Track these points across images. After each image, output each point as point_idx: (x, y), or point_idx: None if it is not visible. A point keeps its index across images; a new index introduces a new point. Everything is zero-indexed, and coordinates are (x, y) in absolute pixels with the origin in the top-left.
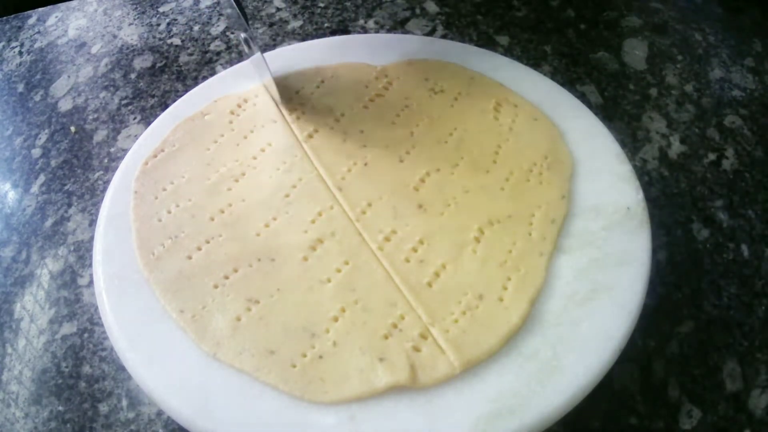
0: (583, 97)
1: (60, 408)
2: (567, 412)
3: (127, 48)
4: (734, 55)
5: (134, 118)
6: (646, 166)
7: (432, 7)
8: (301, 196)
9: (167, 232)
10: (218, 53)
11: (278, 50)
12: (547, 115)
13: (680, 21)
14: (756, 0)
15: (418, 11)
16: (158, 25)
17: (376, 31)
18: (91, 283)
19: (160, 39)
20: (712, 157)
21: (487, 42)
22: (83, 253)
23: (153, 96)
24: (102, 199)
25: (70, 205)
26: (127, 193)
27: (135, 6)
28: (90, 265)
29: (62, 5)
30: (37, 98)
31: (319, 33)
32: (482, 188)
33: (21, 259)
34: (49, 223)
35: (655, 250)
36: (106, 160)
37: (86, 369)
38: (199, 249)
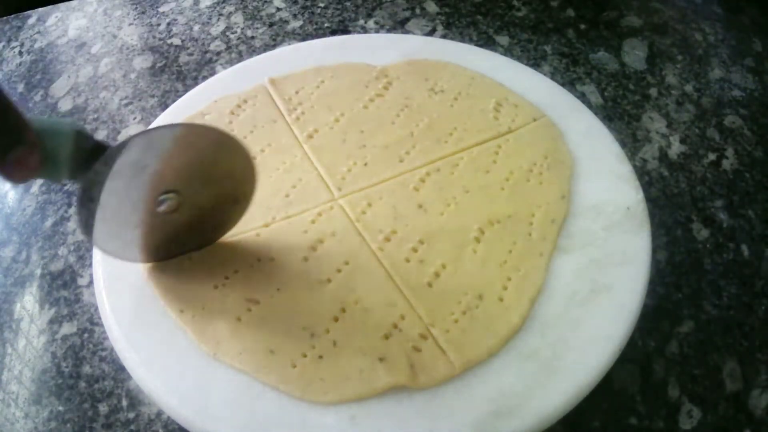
0: (583, 97)
1: (60, 408)
2: (567, 412)
3: (127, 48)
4: (734, 55)
5: (134, 118)
6: (646, 166)
7: (432, 7)
8: (301, 196)
9: None
10: (218, 53)
11: (278, 50)
12: (547, 115)
13: (680, 21)
14: (756, 0)
15: (418, 11)
16: (158, 25)
17: (376, 31)
18: (91, 283)
19: (160, 39)
20: (712, 157)
21: (487, 42)
22: (83, 253)
23: (153, 96)
24: None
25: (70, 205)
26: None
27: (135, 6)
28: (90, 265)
29: (62, 5)
30: (37, 98)
31: (319, 33)
32: (482, 188)
33: (21, 259)
34: (49, 223)
35: (655, 250)
36: None
37: (86, 369)
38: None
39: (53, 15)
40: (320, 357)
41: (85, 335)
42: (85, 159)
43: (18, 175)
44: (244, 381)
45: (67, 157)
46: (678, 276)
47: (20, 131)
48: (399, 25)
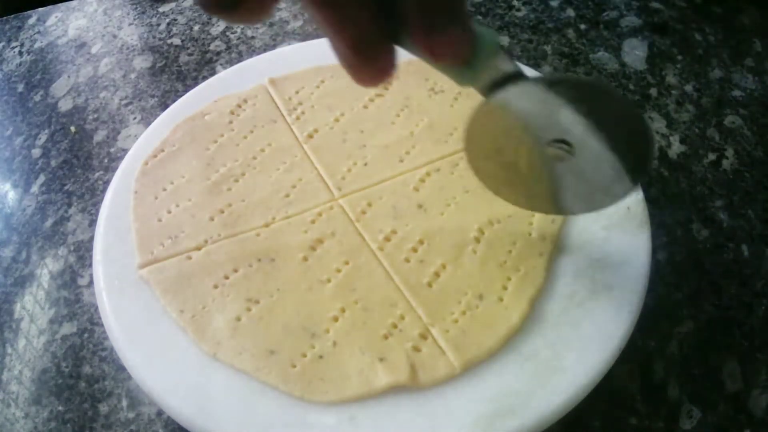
0: None
1: (60, 408)
2: (567, 412)
3: (127, 48)
4: (734, 55)
5: (134, 118)
6: None
7: None
8: (301, 196)
9: (167, 232)
10: (218, 53)
11: (278, 50)
12: None
13: (680, 21)
14: (756, 0)
15: None
16: (158, 25)
17: None
18: (91, 283)
19: (160, 39)
20: (712, 157)
21: None
22: (83, 253)
23: (153, 96)
24: (102, 199)
25: (70, 205)
26: (127, 193)
27: (135, 6)
28: (90, 265)
29: (62, 5)
30: (37, 98)
31: (319, 33)
32: (482, 188)
33: (21, 259)
34: (49, 223)
35: (655, 250)
36: (106, 160)
37: (86, 369)
38: (199, 249)
39: (53, 15)
40: (320, 357)
41: (85, 335)
42: (501, 77)
43: (456, 53)
44: (244, 381)
45: (491, 64)
46: (678, 276)
47: (456, 10)
48: None
